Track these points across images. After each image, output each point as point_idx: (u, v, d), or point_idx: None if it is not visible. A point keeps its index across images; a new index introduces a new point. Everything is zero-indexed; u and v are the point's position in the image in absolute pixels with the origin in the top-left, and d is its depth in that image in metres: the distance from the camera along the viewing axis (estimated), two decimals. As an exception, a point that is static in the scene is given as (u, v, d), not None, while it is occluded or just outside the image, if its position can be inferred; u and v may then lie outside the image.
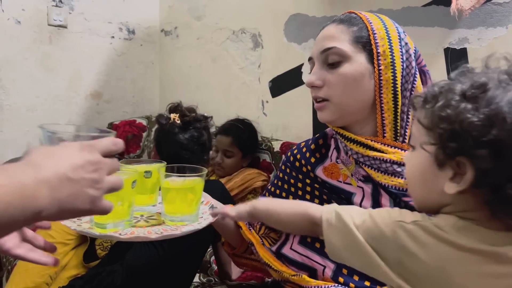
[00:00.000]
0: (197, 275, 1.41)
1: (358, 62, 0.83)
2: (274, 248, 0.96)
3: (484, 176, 0.50)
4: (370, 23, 0.84)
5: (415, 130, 0.60)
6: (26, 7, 2.22)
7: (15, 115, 2.28)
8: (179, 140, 1.29)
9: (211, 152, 1.90)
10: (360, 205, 0.85)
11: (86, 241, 1.51)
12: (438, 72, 1.50)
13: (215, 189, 1.06)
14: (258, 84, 2.17)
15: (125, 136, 2.43)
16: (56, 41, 2.35)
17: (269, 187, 1.06)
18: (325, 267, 0.86)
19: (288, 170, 1.00)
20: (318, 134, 1.01)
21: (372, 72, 0.83)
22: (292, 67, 2.00)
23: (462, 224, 0.54)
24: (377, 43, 0.82)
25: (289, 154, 1.03)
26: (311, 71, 0.89)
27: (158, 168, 0.89)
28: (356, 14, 0.88)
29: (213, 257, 1.49)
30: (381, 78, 0.82)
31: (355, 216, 0.61)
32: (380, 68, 0.82)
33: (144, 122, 2.51)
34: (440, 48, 1.49)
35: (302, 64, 1.96)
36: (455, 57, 1.47)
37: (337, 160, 0.92)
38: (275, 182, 1.04)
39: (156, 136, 1.37)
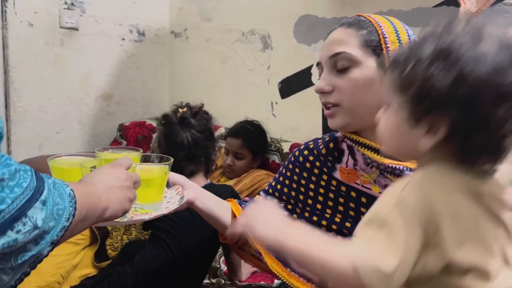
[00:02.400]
0: (207, 276, 1.42)
1: (368, 66, 0.81)
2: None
3: (455, 130, 0.55)
4: (380, 26, 0.83)
5: (387, 90, 0.62)
6: (39, 10, 2.26)
7: (28, 116, 2.31)
8: (194, 124, 1.33)
9: (223, 155, 1.92)
10: None
11: (96, 241, 1.52)
12: (448, 73, 1.49)
13: (225, 193, 1.06)
14: (267, 85, 2.17)
15: (135, 137, 2.45)
16: (67, 43, 2.38)
17: (273, 184, 1.03)
18: None
19: (297, 170, 0.98)
20: (327, 137, 0.98)
21: (382, 75, 0.80)
22: (301, 68, 2.01)
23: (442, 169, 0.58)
24: (388, 46, 0.80)
25: (297, 153, 1.00)
26: (319, 76, 0.87)
27: (129, 155, 0.87)
28: (364, 17, 0.85)
29: (222, 258, 1.50)
30: None
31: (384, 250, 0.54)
32: None
33: (154, 124, 2.53)
34: (450, 49, 1.49)
35: (312, 66, 1.96)
36: (466, 58, 1.46)
37: (355, 167, 0.88)
38: (280, 179, 1.02)
39: (166, 129, 1.37)
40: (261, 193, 1.06)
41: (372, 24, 0.83)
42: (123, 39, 2.59)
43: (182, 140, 1.30)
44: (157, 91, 2.80)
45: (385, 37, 0.81)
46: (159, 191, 0.86)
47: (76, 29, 2.39)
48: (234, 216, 0.98)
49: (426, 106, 0.55)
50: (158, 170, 0.85)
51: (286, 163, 1.03)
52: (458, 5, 1.36)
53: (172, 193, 0.91)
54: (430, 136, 0.57)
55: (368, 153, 0.83)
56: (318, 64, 0.87)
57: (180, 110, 1.33)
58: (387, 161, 0.80)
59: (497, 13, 1.38)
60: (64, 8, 2.33)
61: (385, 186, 0.82)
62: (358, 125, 0.85)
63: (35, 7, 2.24)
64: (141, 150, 0.90)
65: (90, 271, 1.44)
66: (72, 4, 2.36)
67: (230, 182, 1.86)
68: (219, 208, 0.96)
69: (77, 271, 1.44)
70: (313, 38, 1.94)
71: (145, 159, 0.88)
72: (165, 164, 0.86)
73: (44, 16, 2.28)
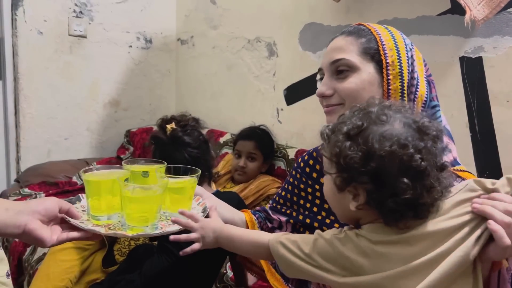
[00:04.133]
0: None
1: (367, 72, 0.84)
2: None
3: (371, 196, 0.64)
4: (379, 34, 0.86)
5: (324, 160, 0.72)
6: (48, 18, 2.30)
7: (37, 123, 2.34)
8: (186, 141, 1.28)
9: (232, 159, 1.93)
10: None
11: (105, 246, 1.54)
12: (453, 81, 1.50)
13: (231, 200, 1.06)
14: (273, 92, 2.19)
15: (142, 143, 2.48)
16: (76, 50, 2.42)
17: (280, 192, 1.09)
18: None
19: (298, 176, 1.04)
20: None
21: (380, 81, 0.85)
22: (306, 75, 2.02)
23: (374, 227, 0.68)
24: (386, 53, 0.84)
25: (299, 160, 1.06)
26: (320, 79, 0.92)
27: (156, 168, 0.91)
28: (364, 26, 0.89)
29: (228, 263, 1.51)
30: (390, 87, 0.84)
31: (301, 243, 0.72)
32: (388, 78, 0.84)
33: (161, 130, 2.55)
34: (455, 57, 1.50)
35: (317, 73, 1.97)
36: (471, 66, 1.47)
37: None
38: (286, 187, 1.07)
39: (159, 152, 1.30)
40: (270, 201, 1.11)
41: (371, 32, 0.87)
42: (131, 46, 2.63)
43: (181, 160, 1.24)
44: (164, 98, 2.83)
45: (383, 44, 0.85)
46: (188, 202, 0.89)
47: (84, 36, 2.43)
48: (247, 227, 1.02)
49: (346, 176, 0.66)
50: (187, 181, 0.88)
51: (291, 171, 1.08)
52: (462, 13, 1.37)
53: (193, 203, 0.94)
54: (355, 200, 0.67)
55: None
56: (320, 70, 0.92)
57: (168, 126, 1.29)
58: None
59: (502, 21, 1.38)
60: (73, 16, 2.37)
61: None
62: None
63: (44, 16, 2.28)
64: (165, 163, 0.92)
65: (99, 276, 1.46)
66: (80, 12, 2.40)
67: (237, 188, 1.88)
68: (234, 219, 1.00)
69: (86, 276, 1.46)
70: (318, 45, 1.96)
71: (175, 171, 0.91)
72: (195, 176, 0.89)
73: (54, 24, 2.32)
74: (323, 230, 0.93)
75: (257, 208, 1.12)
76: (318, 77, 0.94)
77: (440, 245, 0.62)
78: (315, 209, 0.99)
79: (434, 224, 0.63)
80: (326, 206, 0.97)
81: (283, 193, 1.07)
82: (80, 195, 0.91)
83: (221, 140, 2.25)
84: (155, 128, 2.56)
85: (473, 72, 1.46)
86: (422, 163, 0.61)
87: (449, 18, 1.50)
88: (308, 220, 0.99)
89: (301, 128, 2.08)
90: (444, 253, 0.61)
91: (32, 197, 1.99)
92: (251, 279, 1.46)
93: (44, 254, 1.60)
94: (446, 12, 1.51)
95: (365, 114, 0.66)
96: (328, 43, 0.92)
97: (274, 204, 1.09)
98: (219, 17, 2.45)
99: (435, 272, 0.60)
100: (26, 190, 2.06)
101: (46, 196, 2.02)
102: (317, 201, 0.99)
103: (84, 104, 2.50)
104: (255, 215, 1.06)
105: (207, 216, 0.89)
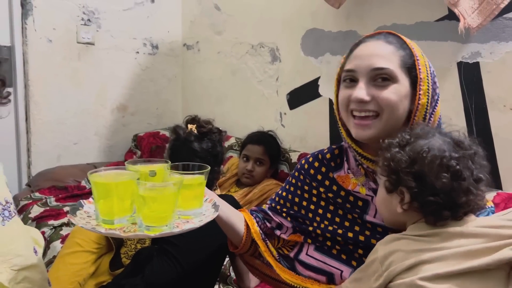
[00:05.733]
0: (216, 284, 1.47)
1: (404, 85, 0.86)
2: (292, 254, 1.02)
3: (415, 196, 0.75)
4: (413, 49, 0.88)
5: (378, 171, 0.83)
6: (57, 26, 2.36)
7: (46, 128, 2.41)
8: (194, 148, 1.32)
9: (240, 162, 1.97)
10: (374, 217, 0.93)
11: (112, 249, 1.58)
12: (451, 86, 1.52)
13: (228, 203, 1.09)
14: (276, 97, 2.23)
15: (149, 147, 2.53)
16: (84, 57, 2.48)
17: (280, 193, 1.09)
18: (342, 271, 0.92)
19: (301, 177, 1.04)
20: (333, 146, 1.05)
21: (411, 96, 0.87)
22: (309, 80, 2.06)
23: (415, 225, 0.79)
24: (420, 69, 0.86)
25: (303, 162, 1.06)
26: (348, 81, 0.89)
27: (164, 167, 0.90)
28: (399, 36, 0.90)
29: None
30: (419, 102, 0.86)
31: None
32: (420, 93, 0.86)
33: (168, 134, 2.60)
34: (453, 62, 1.52)
35: (319, 77, 2.00)
36: (468, 71, 1.49)
37: (348, 170, 0.97)
38: (287, 187, 1.07)
39: (172, 145, 1.39)
40: (268, 201, 1.11)
41: (407, 45, 0.88)
42: (137, 52, 2.68)
43: (184, 161, 1.31)
44: (170, 102, 2.88)
45: (418, 60, 0.87)
46: (199, 198, 0.90)
47: (92, 44, 2.49)
48: (246, 225, 1.03)
49: (396, 178, 0.77)
50: (199, 178, 0.89)
51: (293, 172, 1.09)
52: (459, 20, 1.39)
53: (206, 205, 0.95)
54: (401, 202, 0.78)
55: (370, 164, 0.90)
56: (350, 71, 0.89)
57: (190, 126, 1.35)
58: None
59: (498, 27, 1.40)
60: (81, 24, 2.43)
61: (373, 189, 0.92)
62: (383, 138, 0.88)
63: (53, 24, 2.35)
64: (169, 162, 0.92)
65: (106, 278, 1.50)
66: (88, 20, 2.46)
67: (241, 192, 1.92)
68: (234, 216, 1.02)
69: (94, 279, 1.50)
70: (320, 51, 1.99)
71: (184, 168, 0.92)
72: (205, 172, 0.89)
73: (62, 32, 2.38)
74: (326, 237, 0.97)
75: (253, 208, 1.12)
76: (343, 78, 0.91)
77: (475, 243, 0.70)
78: (320, 211, 1.00)
79: (468, 227, 0.73)
80: (331, 208, 0.98)
81: (284, 194, 1.07)
82: (81, 201, 0.89)
83: (226, 144, 2.29)
84: (162, 132, 2.62)
85: (470, 77, 1.49)
86: (457, 166, 0.73)
87: (446, 24, 1.53)
88: (310, 228, 1.00)
89: (304, 132, 2.11)
90: (479, 251, 0.69)
91: (42, 201, 2.05)
92: (254, 280, 1.49)
93: (54, 257, 1.65)
94: (443, 18, 1.53)
95: (412, 133, 0.81)
96: (354, 46, 0.92)
97: (273, 205, 1.08)
98: (223, 23, 2.50)
99: (465, 264, 0.68)
100: (37, 194, 2.12)
101: (56, 200, 2.08)
102: (322, 203, 1.00)
103: (92, 110, 2.56)
104: (252, 215, 1.07)
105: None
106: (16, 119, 2.32)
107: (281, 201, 1.07)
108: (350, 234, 0.93)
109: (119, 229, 0.79)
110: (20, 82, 2.29)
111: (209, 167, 0.90)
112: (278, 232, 1.06)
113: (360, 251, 0.92)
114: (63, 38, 2.39)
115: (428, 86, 0.86)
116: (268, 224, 1.08)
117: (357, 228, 0.94)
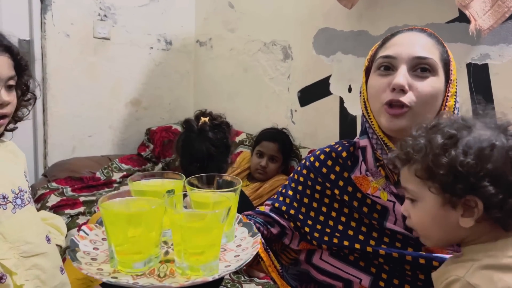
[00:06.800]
0: (228, 273, 1.52)
1: (441, 80, 0.82)
2: (302, 257, 0.96)
3: (491, 201, 0.61)
4: (447, 49, 0.86)
5: (412, 185, 0.68)
6: (75, 21, 2.42)
7: (62, 121, 2.47)
8: (210, 137, 1.38)
9: (253, 157, 2.03)
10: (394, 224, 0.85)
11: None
12: (460, 87, 1.54)
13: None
14: (287, 94, 2.27)
15: (161, 141, 2.58)
16: (100, 52, 2.54)
17: (283, 191, 0.99)
18: (361, 279, 0.86)
19: (312, 175, 0.96)
20: (345, 142, 0.97)
21: (443, 96, 0.83)
22: (320, 78, 2.10)
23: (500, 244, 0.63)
24: (451, 70, 0.84)
25: (312, 158, 0.97)
26: (383, 68, 0.84)
27: (184, 182, 0.73)
28: (434, 34, 0.87)
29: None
30: (446, 104, 0.83)
31: None
32: (448, 94, 0.83)
33: (180, 128, 2.65)
34: (462, 64, 1.55)
35: (330, 76, 2.04)
36: (477, 72, 1.52)
37: (367, 172, 0.89)
38: (293, 185, 0.98)
39: (185, 136, 1.42)
40: (268, 201, 1.02)
41: (443, 44, 0.85)
42: (152, 48, 2.74)
43: (197, 152, 1.36)
44: (183, 98, 2.94)
45: (451, 61, 0.84)
46: (232, 220, 0.77)
47: (108, 39, 2.55)
48: None
49: (461, 187, 0.61)
50: (234, 196, 0.73)
51: (299, 169, 1.00)
52: (469, 22, 1.42)
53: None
54: (468, 215, 0.63)
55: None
56: (387, 57, 0.83)
57: (202, 118, 1.40)
58: None
59: (508, 30, 1.44)
60: (98, 20, 2.49)
61: (394, 194, 0.85)
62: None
63: (71, 19, 2.40)
64: (184, 177, 0.76)
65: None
66: (105, 15, 2.51)
67: (252, 186, 1.97)
68: None
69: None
70: (331, 50, 2.03)
71: (208, 180, 0.77)
72: (236, 189, 0.73)
73: (80, 27, 2.44)
74: (333, 244, 0.87)
75: (248, 212, 0.99)
76: (378, 65, 0.84)
77: None
78: (333, 213, 0.92)
79: None
80: (346, 210, 0.91)
81: (291, 192, 0.98)
82: (73, 238, 0.71)
83: (237, 139, 2.34)
84: (174, 126, 2.68)
85: (479, 78, 1.52)
86: None
87: (457, 26, 1.56)
88: (316, 234, 0.91)
89: (314, 129, 2.16)
90: None
91: (59, 191, 2.11)
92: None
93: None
94: (454, 20, 1.57)
95: (451, 123, 0.66)
96: (390, 36, 0.87)
97: (276, 205, 0.98)
98: (236, 20, 2.54)
99: None
100: (54, 184, 2.18)
101: (72, 190, 2.14)
102: (336, 205, 0.92)
103: (107, 103, 2.62)
104: (250, 221, 0.90)
105: None
106: (34, 112, 2.38)
107: (287, 200, 0.97)
108: (369, 249, 0.84)
109: (149, 274, 0.64)
110: (39, 75, 2.35)
111: (241, 182, 0.77)
112: (286, 241, 0.98)
113: (381, 260, 0.85)
114: (80, 33, 2.44)
115: (456, 89, 0.84)
116: (272, 230, 0.96)
117: (375, 234, 0.86)
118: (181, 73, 2.90)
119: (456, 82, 0.85)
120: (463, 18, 1.52)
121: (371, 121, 0.87)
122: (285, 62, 2.27)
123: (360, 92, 0.91)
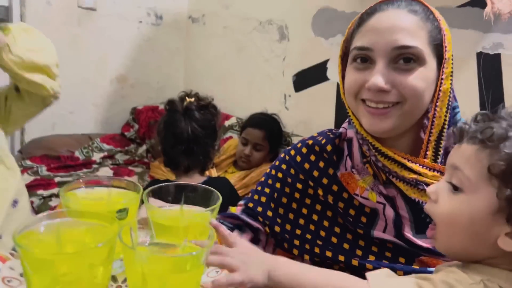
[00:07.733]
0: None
1: (431, 68, 0.69)
2: None
3: None
4: (440, 20, 0.71)
5: (471, 171, 0.53)
6: (57, -12, 2.25)
7: (42, 95, 2.32)
8: (197, 118, 1.30)
9: (239, 144, 1.91)
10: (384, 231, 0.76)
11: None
12: (468, 77, 1.44)
13: (223, 188, 0.94)
14: (281, 77, 2.14)
15: (147, 121, 2.45)
16: (84, 23, 2.38)
17: (259, 189, 0.86)
18: None
19: (292, 171, 0.83)
20: (329, 133, 0.85)
21: (435, 80, 0.70)
22: (317, 62, 1.97)
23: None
24: (445, 47, 0.70)
25: (292, 152, 0.85)
26: (359, 61, 0.72)
27: (143, 196, 0.53)
28: (423, 3, 0.72)
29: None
30: (441, 88, 0.70)
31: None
32: (442, 77, 0.70)
33: (167, 109, 2.52)
34: (472, 52, 1.43)
35: (328, 60, 1.92)
36: (488, 63, 1.40)
37: (352, 169, 0.78)
38: (269, 182, 0.85)
39: (168, 116, 1.35)
40: (241, 201, 0.89)
41: (435, 17, 0.71)
42: (141, 22, 2.58)
43: (182, 132, 1.28)
44: (172, 77, 2.79)
45: (444, 35, 0.70)
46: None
47: (93, 9, 2.39)
48: None
49: None
50: (207, 215, 0.56)
51: (277, 163, 0.87)
52: (483, 6, 1.31)
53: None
54: None
55: (388, 163, 0.73)
56: (363, 49, 0.70)
57: (188, 99, 1.31)
58: (408, 176, 0.72)
59: (525, 17, 1.31)
60: (83, -12, 2.32)
61: (384, 195, 0.75)
62: (401, 131, 0.73)
63: (54, -14, 2.24)
64: (141, 189, 0.58)
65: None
66: (91, -16, 2.35)
67: (238, 174, 1.86)
68: None
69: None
70: (331, 32, 1.89)
71: (176, 191, 0.60)
72: (214, 208, 0.58)
73: (63, -5, 2.27)
74: (315, 254, 0.76)
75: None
76: (354, 56, 0.72)
77: None
78: (314, 217, 0.80)
79: None
80: (329, 213, 0.79)
81: (267, 190, 0.84)
82: None
83: (226, 123, 2.22)
84: (161, 106, 2.54)
85: (489, 69, 1.40)
86: None
87: (469, 11, 1.43)
88: (296, 242, 0.81)
89: (308, 117, 2.03)
90: None
91: (33, 170, 1.98)
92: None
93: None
94: (466, 4, 1.44)
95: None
96: (367, 14, 0.72)
97: (250, 205, 0.84)
98: (232, -4, 2.39)
99: None
100: (28, 162, 2.05)
101: (47, 170, 2.02)
102: (318, 207, 0.81)
103: (91, 79, 2.47)
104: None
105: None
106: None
107: (263, 199, 0.83)
108: (355, 262, 0.74)
109: None
110: (17, 45, 2.20)
111: (221, 199, 0.61)
112: (260, 248, 0.83)
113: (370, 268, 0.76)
114: (63, 1, 2.28)
115: (452, 68, 0.71)
116: (244, 236, 0.83)
117: (361, 243, 0.76)
118: (171, 50, 2.75)
119: (452, 60, 0.71)
120: (476, 2, 1.39)
121: (351, 118, 0.77)
122: (280, 43, 2.13)
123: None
